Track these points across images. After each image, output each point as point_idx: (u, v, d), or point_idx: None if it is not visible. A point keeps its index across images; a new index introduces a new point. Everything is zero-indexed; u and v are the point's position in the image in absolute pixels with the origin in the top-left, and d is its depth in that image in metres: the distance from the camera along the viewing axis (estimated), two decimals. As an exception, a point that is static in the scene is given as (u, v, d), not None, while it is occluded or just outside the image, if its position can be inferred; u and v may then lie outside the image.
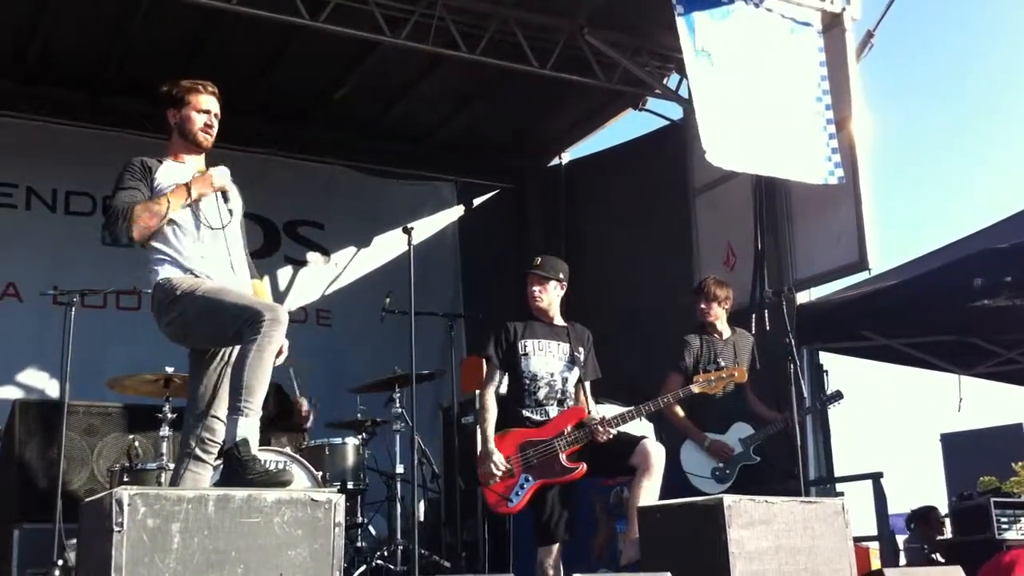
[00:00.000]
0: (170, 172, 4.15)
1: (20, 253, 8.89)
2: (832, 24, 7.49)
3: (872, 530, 7.13)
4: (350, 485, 6.51)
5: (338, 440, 6.78)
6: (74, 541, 5.24)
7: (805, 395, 6.56)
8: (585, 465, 5.11)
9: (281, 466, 4.36)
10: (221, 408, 4.05)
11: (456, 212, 11.23)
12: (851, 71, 7.43)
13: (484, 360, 5.39)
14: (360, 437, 6.86)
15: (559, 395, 5.30)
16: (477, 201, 11.40)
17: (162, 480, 5.72)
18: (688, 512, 4.15)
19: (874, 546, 7.21)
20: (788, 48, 7.23)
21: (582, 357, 5.38)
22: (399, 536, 6.49)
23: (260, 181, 9.38)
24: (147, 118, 8.42)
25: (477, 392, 6.17)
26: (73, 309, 6.00)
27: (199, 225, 4.13)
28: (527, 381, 5.26)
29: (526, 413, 5.25)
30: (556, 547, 5.11)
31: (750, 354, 6.41)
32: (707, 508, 3.96)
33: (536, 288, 5.40)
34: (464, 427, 7.26)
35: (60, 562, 5.55)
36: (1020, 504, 7.15)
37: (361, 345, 9.40)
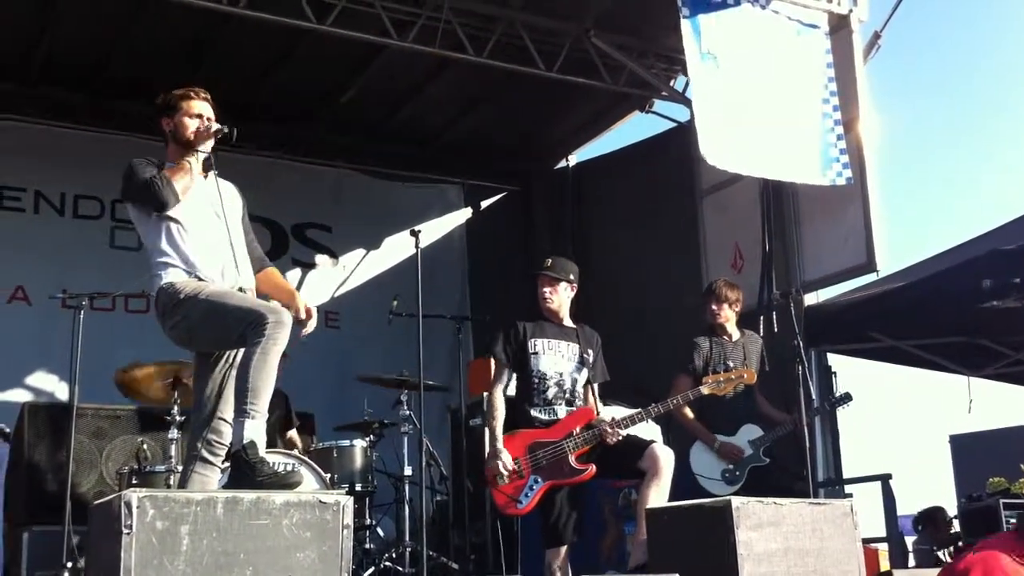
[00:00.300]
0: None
1: (29, 256, 8.90)
2: (839, 26, 7.48)
3: (881, 532, 7.12)
4: (358, 487, 6.51)
5: (346, 442, 6.78)
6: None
7: (813, 397, 6.55)
8: (594, 467, 5.11)
9: (289, 468, 4.38)
10: (227, 410, 4.06)
11: (463, 215, 11.23)
12: (858, 72, 7.42)
13: (492, 359, 5.39)
14: (368, 439, 6.86)
15: (568, 395, 5.30)
16: (484, 204, 11.40)
17: (171, 482, 5.73)
18: (696, 514, 4.15)
19: (883, 548, 7.20)
20: (795, 50, 7.23)
21: (591, 359, 5.38)
22: (407, 538, 6.49)
23: (267, 184, 9.40)
24: (153, 121, 8.42)
25: (485, 392, 6.17)
26: (82, 312, 6.01)
27: (202, 228, 4.15)
28: (536, 380, 5.27)
29: (534, 413, 5.24)
30: (564, 549, 5.11)
31: (759, 356, 6.40)
32: (715, 510, 3.96)
33: (547, 289, 5.40)
34: (472, 429, 7.26)
35: (69, 565, 5.56)
36: (1029, 506, 7.12)
37: (369, 347, 9.40)
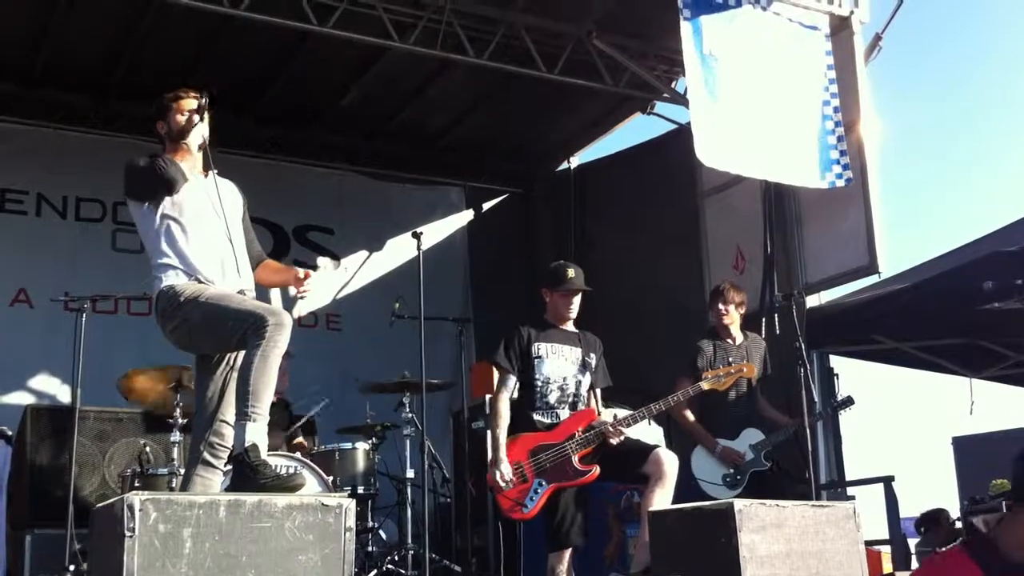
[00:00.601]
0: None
1: (31, 259, 8.90)
2: (840, 27, 7.48)
3: (884, 534, 7.12)
4: (360, 490, 6.51)
5: (348, 445, 6.79)
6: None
7: (815, 399, 6.55)
8: (598, 467, 5.10)
9: (292, 471, 4.37)
10: (229, 413, 4.06)
11: (465, 217, 11.23)
12: (859, 74, 7.43)
13: (495, 367, 5.39)
14: (370, 442, 6.86)
15: (571, 399, 5.30)
16: (486, 206, 11.41)
17: (173, 485, 5.73)
18: (699, 516, 4.14)
19: (886, 550, 7.19)
20: (795, 52, 7.23)
21: (593, 363, 5.38)
22: (409, 541, 6.50)
23: (269, 186, 9.40)
24: (153, 124, 8.43)
25: (488, 398, 6.16)
26: (84, 315, 6.02)
27: (202, 228, 4.15)
28: (540, 384, 5.27)
29: (536, 416, 5.24)
30: (568, 552, 5.10)
31: (762, 359, 6.40)
32: (718, 512, 3.95)
33: (575, 300, 5.40)
34: (474, 432, 7.26)
35: (72, 568, 5.56)
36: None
37: (372, 349, 9.40)
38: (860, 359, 9.05)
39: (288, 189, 10.02)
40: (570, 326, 5.45)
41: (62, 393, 8.22)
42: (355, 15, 7.36)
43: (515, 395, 5.39)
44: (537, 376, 5.26)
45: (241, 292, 4.19)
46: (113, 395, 6.49)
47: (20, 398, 8.23)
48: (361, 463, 6.73)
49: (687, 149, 6.69)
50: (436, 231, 10.62)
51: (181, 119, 4.24)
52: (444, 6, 7.50)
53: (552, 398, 5.26)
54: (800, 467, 6.05)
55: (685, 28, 6.74)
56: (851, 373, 9.16)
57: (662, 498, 4.94)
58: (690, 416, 6.14)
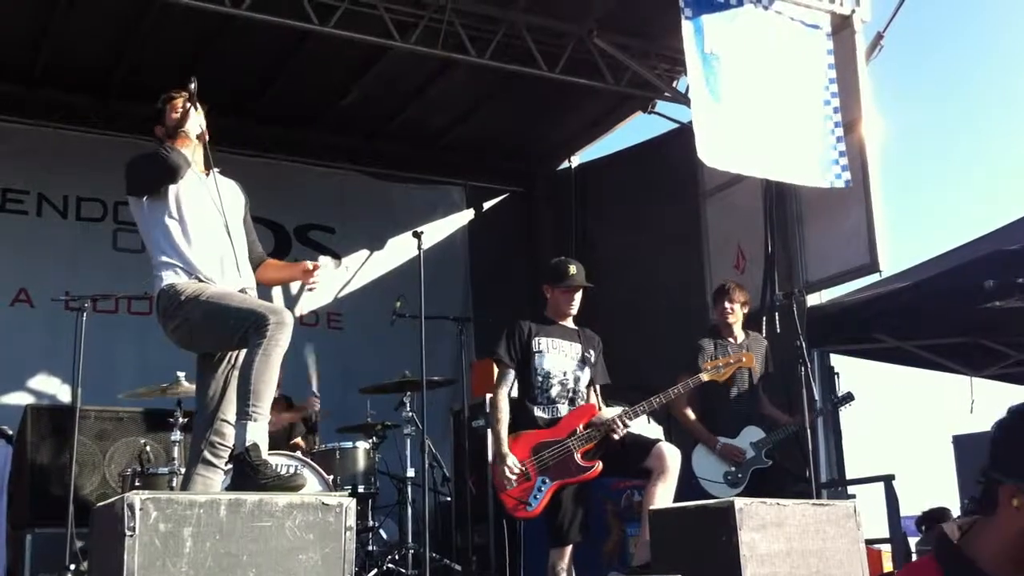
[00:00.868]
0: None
1: (32, 259, 8.91)
2: (842, 26, 7.48)
3: (884, 533, 7.11)
4: (361, 489, 6.52)
5: (349, 444, 6.79)
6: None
7: (816, 398, 6.54)
8: (601, 463, 5.10)
9: (292, 470, 4.37)
10: (230, 412, 4.06)
11: (466, 216, 11.23)
12: (861, 73, 7.42)
13: (495, 362, 5.38)
14: (371, 441, 6.87)
15: (571, 394, 5.29)
16: (487, 205, 11.41)
17: (173, 484, 5.73)
18: (699, 515, 4.15)
19: (886, 549, 7.19)
20: (797, 51, 7.23)
21: (593, 359, 5.38)
22: (410, 540, 6.50)
23: (270, 186, 9.41)
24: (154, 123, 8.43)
25: (488, 396, 6.16)
26: (85, 314, 6.02)
27: (203, 227, 4.16)
28: (539, 378, 5.26)
29: (537, 412, 5.23)
30: (569, 549, 5.09)
31: (764, 358, 6.40)
32: (718, 511, 3.95)
33: (576, 296, 5.40)
34: (475, 430, 7.26)
35: (72, 567, 5.56)
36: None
37: (372, 348, 9.41)
38: (861, 358, 9.05)
39: (289, 188, 10.03)
40: (570, 322, 5.45)
41: (62, 392, 8.22)
42: (356, 15, 7.36)
43: (515, 391, 5.39)
44: (537, 370, 5.26)
45: (242, 291, 4.19)
46: (114, 394, 6.50)
47: (21, 397, 8.23)
48: (362, 462, 6.73)
49: (688, 148, 6.69)
50: (437, 230, 10.62)
51: (176, 114, 4.27)
52: (445, 5, 7.50)
53: (553, 392, 5.26)
54: (801, 465, 6.05)
55: (686, 27, 6.74)
56: (852, 372, 9.17)
57: (664, 493, 4.93)
58: (691, 414, 6.14)
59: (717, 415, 6.16)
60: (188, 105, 4.22)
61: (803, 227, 7.95)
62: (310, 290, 4.36)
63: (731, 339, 6.32)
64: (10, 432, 6.52)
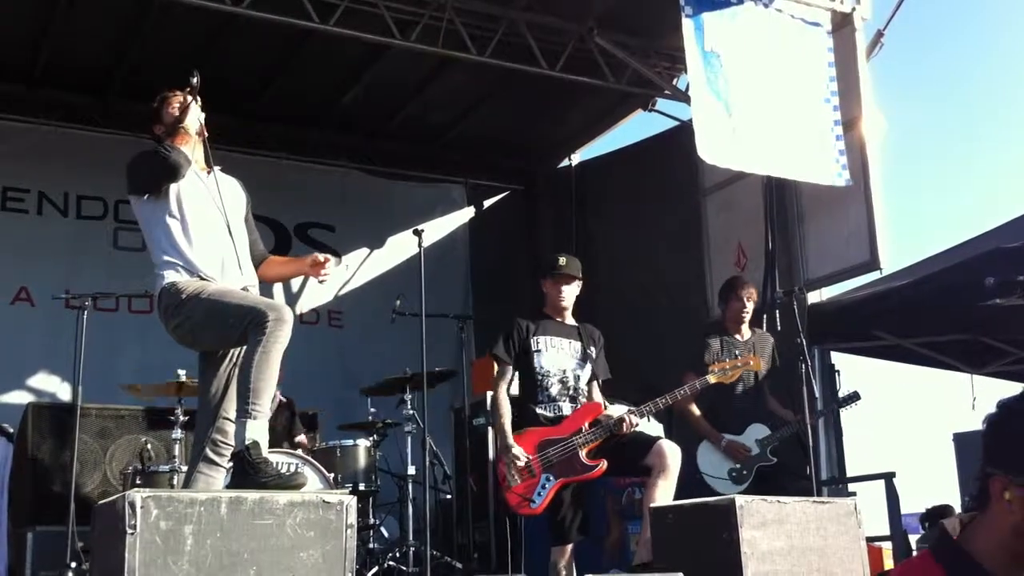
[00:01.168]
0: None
1: (32, 257, 8.91)
2: (842, 24, 7.48)
3: (885, 530, 7.11)
4: (362, 487, 6.52)
5: (350, 442, 6.80)
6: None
7: (817, 395, 6.54)
8: (605, 462, 5.09)
9: (293, 468, 4.37)
10: (232, 410, 4.06)
11: (466, 214, 11.23)
12: (861, 71, 7.42)
13: (494, 359, 5.38)
14: (372, 439, 6.87)
15: (572, 392, 5.29)
16: (487, 203, 11.41)
17: (174, 482, 5.74)
18: (700, 512, 4.15)
19: (887, 546, 7.19)
20: (797, 49, 7.22)
21: (593, 355, 5.38)
22: (411, 537, 6.51)
23: (271, 184, 9.40)
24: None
25: (489, 394, 6.16)
26: (85, 313, 6.03)
27: (204, 225, 4.16)
28: (539, 377, 5.25)
29: (539, 411, 5.23)
30: (569, 547, 5.10)
31: (771, 354, 6.39)
32: (719, 508, 3.95)
33: (565, 288, 5.40)
34: (475, 428, 7.27)
35: (73, 565, 5.57)
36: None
37: (373, 346, 9.42)
38: (861, 355, 9.04)
39: (290, 186, 10.02)
40: (569, 319, 5.44)
41: (63, 391, 8.23)
42: (357, 13, 7.35)
43: (515, 389, 5.39)
44: (537, 369, 5.26)
45: (244, 289, 4.19)
46: (115, 392, 6.51)
47: (21, 396, 8.23)
48: (362, 460, 6.74)
49: (688, 146, 6.69)
50: (437, 228, 10.62)
51: (174, 110, 4.26)
52: (446, 4, 7.49)
53: (553, 391, 5.25)
54: (802, 463, 6.04)
55: (687, 25, 6.74)
56: (852, 369, 9.16)
57: (665, 490, 4.91)
58: (696, 411, 6.13)
59: (722, 412, 6.14)
60: (188, 99, 4.21)
61: (803, 225, 7.95)
62: (321, 282, 4.37)
63: (738, 336, 6.30)
64: (11, 430, 6.53)
